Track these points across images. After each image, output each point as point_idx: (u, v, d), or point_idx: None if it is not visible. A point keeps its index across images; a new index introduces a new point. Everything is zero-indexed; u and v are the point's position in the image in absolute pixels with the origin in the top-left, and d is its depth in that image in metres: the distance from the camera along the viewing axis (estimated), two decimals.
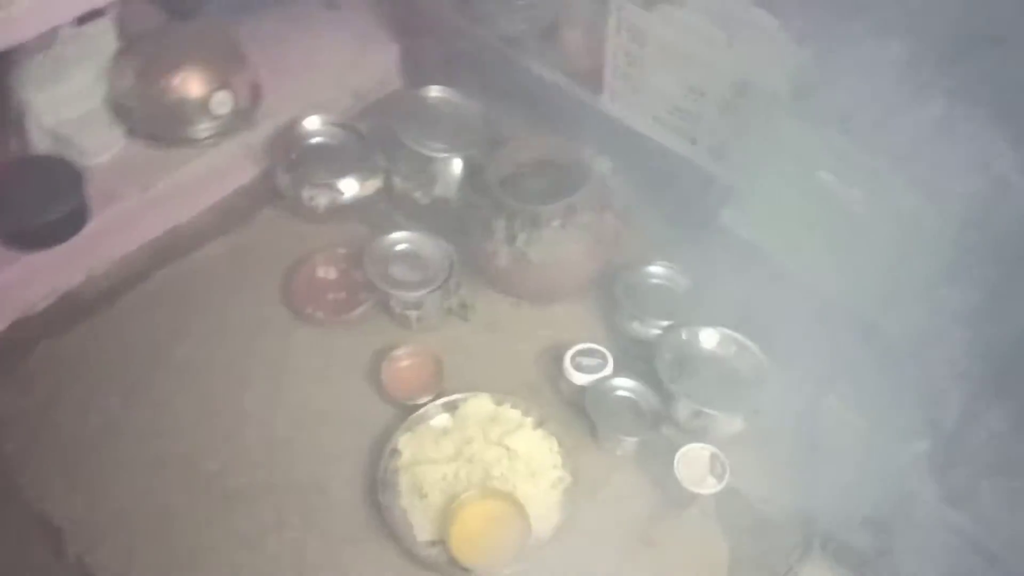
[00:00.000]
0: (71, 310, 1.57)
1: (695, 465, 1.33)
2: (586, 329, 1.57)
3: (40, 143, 1.57)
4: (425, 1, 1.82)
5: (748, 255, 1.44)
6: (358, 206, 1.68)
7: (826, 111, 1.24)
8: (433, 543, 1.30)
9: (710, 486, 1.30)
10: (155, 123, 1.64)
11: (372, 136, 1.70)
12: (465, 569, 1.26)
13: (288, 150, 1.67)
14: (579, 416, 1.45)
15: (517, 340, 1.56)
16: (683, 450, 1.33)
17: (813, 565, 1.30)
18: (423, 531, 1.31)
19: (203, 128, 1.65)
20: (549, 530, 1.32)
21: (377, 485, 1.34)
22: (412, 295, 1.50)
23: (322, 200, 1.65)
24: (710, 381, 1.42)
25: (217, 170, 1.72)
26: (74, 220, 1.53)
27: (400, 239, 1.56)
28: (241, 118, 1.70)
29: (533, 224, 1.44)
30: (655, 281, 1.52)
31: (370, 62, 1.94)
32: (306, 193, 1.64)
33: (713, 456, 1.33)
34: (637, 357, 1.47)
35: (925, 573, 1.20)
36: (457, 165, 1.61)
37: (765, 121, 1.30)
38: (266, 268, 1.65)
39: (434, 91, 1.68)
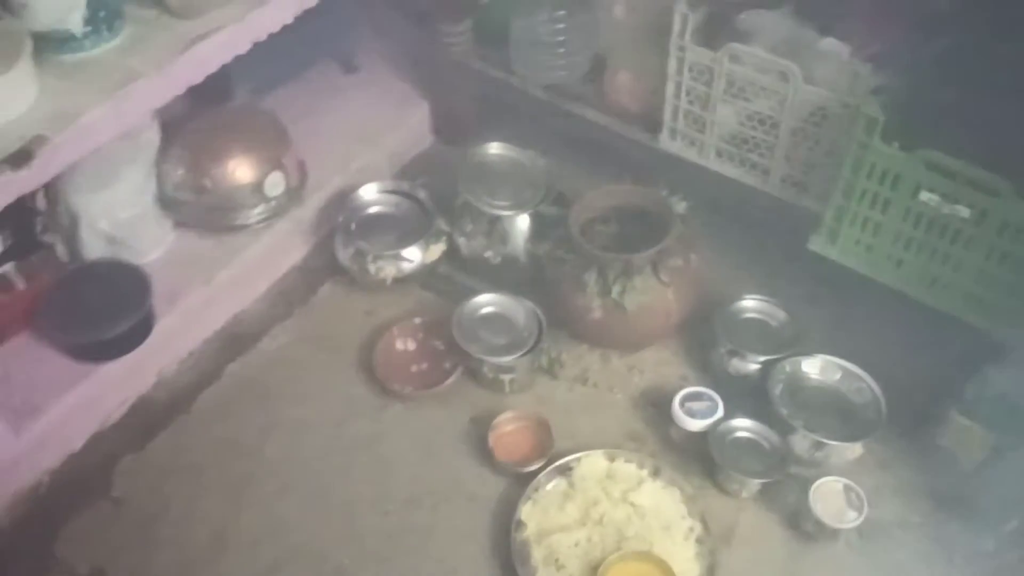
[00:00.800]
0: (147, 418, 1.51)
1: (830, 499, 1.32)
2: (677, 372, 1.56)
3: (93, 248, 1.51)
4: (455, 56, 1.80)
5: (842, 281, 1.46)
6: (423, 272, 1.65)
7: (920, 131, 1.25)
8: None
9: (852, 520, 1.30)
10: (207, 213, 1.59)
11: (430, 200, 1.67)
12: None
13: (347, 222, 1.64)
14: (692, 461, 1.44)
15: (611, 391, 1.54)
16: (816, 485, 1.33)
17: None
18: None
19: (257, 212, 1.61)
20: (704, 556, 1.30)
21: (513, 562, 1.31)
22: (506, 360, 1.48)
23: (389, 270, 1.62)
24: (821, 410, 1.42)
25: (272, 252, 1.68)
26: (143, 326, 1.47)
27: (485, 302, 1.54)
28: (292, 197, 1.66)
29: (626, 273, 1.43)
30: (750, 315, 1.51)
31: (401, 122, 1.92)
32: (372, 265, 1.61)
33: (847, 488, 1.33)
34: (736, 395, 1.46)
35: None
36: (524, 221, 1.60)
37: (854, 146, 1.31)
38: (339, 347, 1.61)
39: (492, 147, 1.67)
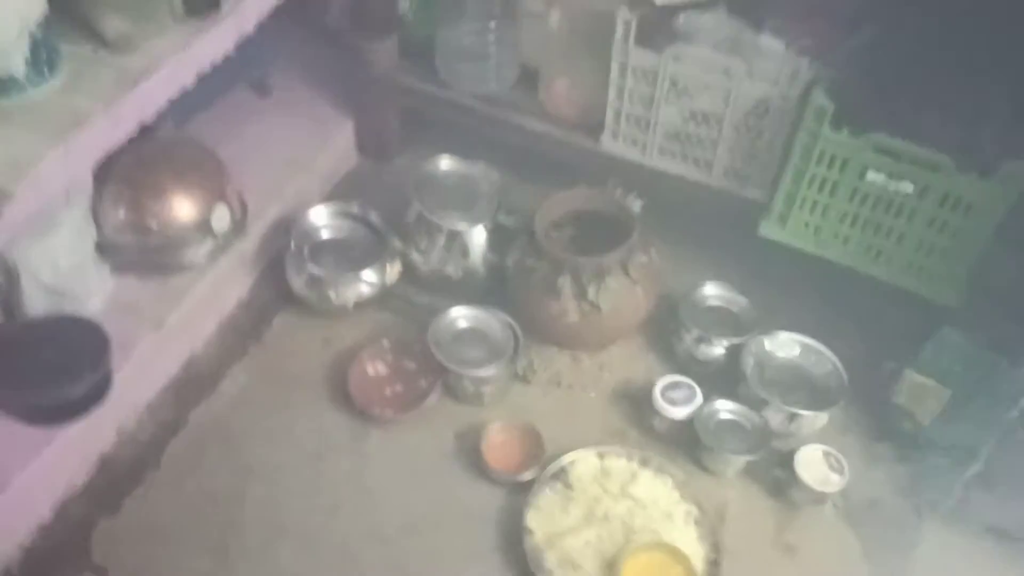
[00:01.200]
0: (115, 477, 1.42)
1: (814, 466, 1.41)
2: (644, 365, 1.62)
3: (34, 302, 1.40)
4: (378, 72, 1.78)
5: (792, 262, 1.55)
6: (381, 294, 1.64)
7: (863, 116, 1.36)
8: None
9: (837, 483, 1.39)
10: (151, 254, 1.51)
11: (380, 220, 1.65)
12: None
13: (298, 249, 1.59)
14: (676, 449, 1.50)
15: (585, 391, 1.58)
16: (799, 454, 1.41)
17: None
18: None
19: (204, 249, 1.54)
20: (701, 563, 1.35)
21: (530, 571, 1.32)
22: (486, 372, 1.49)
23: (349, 295, 1.59)
24: (788, 385, 1.51)
25: (218, 288, 1.61)
26: (103, 382, 1.38)
27: (457, 316, 1.55)
28: (237, 229, 1.60)
29: (598, 275, 1.47)
30: (712, 303, 1.59)
31: (327, 143, 1.88)
32: (332, 291, 1.58)
33: (826, 453, 1.42)
34: (705, 379, 1.52)
35: None
36: (481, 233, 1.61)
37: (802, 135, 1.40)
38: (303, 380, 1.58)
39: (441, 161, 1.67)
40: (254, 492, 1.43)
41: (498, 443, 1.46)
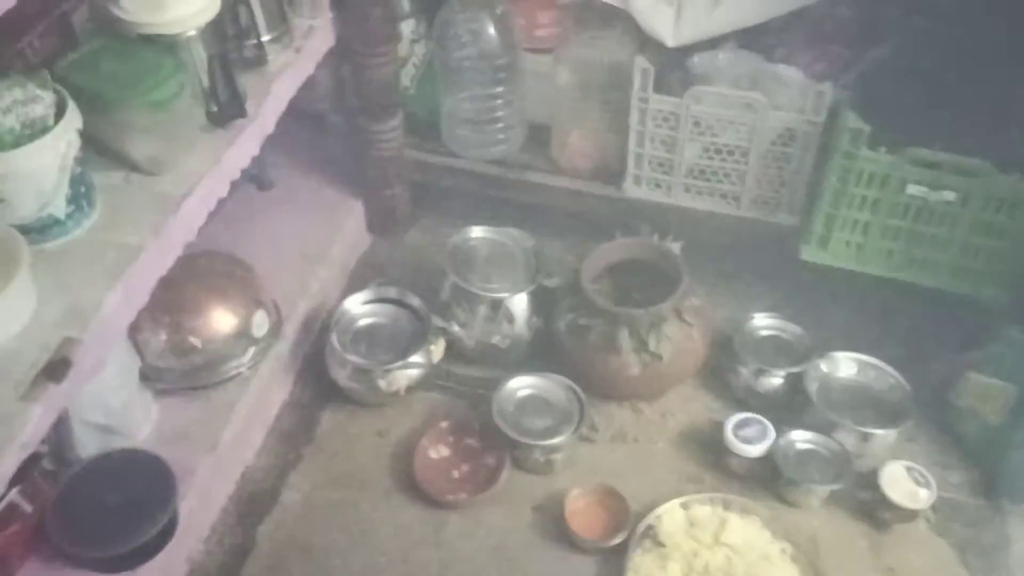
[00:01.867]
0: None
1: (900, 483, 1.42)
2: (704, 405, 1.62)
3: (87, 444, 1.35)
4: (388, 153, 1.77)
5: (833, 281, 1.57)
6: (429, 375, 1.61)
7: (895, 132, 1.39)
8: None
9: (926, 498, 1.40)
10: (194, 374, 1.47)
11: (419, 300, 1.63)
12: None
13: (341, 341, 1.56)
14: (753, 487, 1.50)
15: (652, 441, 1.57)
16: (883, 473, 1.42)
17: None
18: None
19: (246, 358, 1.50)
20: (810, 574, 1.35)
21: None
22: (556, 440, 1.47)
23: (399, 382, 1.56)
24: (853, 405, 1.52)
25: (263, 396, 1.57)
26: (171, 523, 1.33)
27: (518, 387, 1.54)
28: (274, 332, 1.57)
29: (655, 324, 1.47)
30: (765, 333, 1.60)
31: (339, 228, 1.85)
32: (382, 380, 1.55)
33: (908, 469, 1.43)
34: (767, 411, 1.52)
35: None
36: (522, 299, 1.60)
37: (838, 157, 1.43)
38: (365, 477, 1.54)
39: (473, 232, 1.66)
40: None
41: (580, 510, 1.45)
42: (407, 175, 1.84)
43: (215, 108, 1.32)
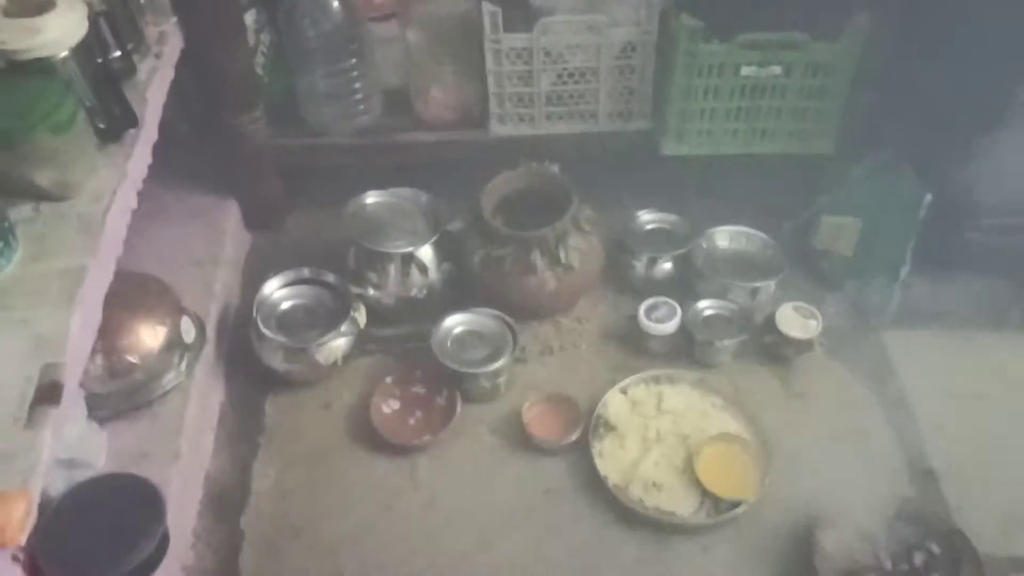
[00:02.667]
0: None
1: (791, 321, 1.65)
2: (611, 303, 1.81)
3: (56, 480, 1.34)
4: (257, 142, 1.80)
5: (691, 168, 1.78)
6: (358, 341, 1.69)
7: (725, 27, 1.59)
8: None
9: (815, 327, 1.64)
10: (135, 393, 1.47)
11: (333, 274, 1.70)
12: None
13: (267, 327, 1.61)
14: (673, 359, 1.70)
15: (577, 347, 1.74)
16: (777, 318, 1.65)
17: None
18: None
19: (183, 366, 1.52)
20: (749, 436, 1.56)
21: (624, 508, 1.46)
22: (498, 364, 1.60)
23: (337, 352, 1.63)
24: (736, 268, 1.75)
25: (203, 400, 1.59)
26: (164, 536, 1.34)
27: (452, 325, 1.66)
28: (200, 336, 1.59)
29: (562, 240, 1.62)
30: (651, 227, 1.80)
31: (220, 231, 1.87)
32: (319, 355, 1.61)
33: (796, 307, 1.67)
34: (664, 293, 1.72)
35: None
36: (428, 250, 1.70)
37: (680, 56, 1.62)
38: (329, 447, 1.60)
39: (368, 197, 1.74)
40: (351, 565, 1.45)
41: (536, 418, 1.59)
42: (277, 163, 1.88)
43: (102, 124, 1.33)
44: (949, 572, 1.38)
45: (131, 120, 1.33)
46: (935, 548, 1.40)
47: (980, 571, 1.36)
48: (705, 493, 1.48)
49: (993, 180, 1.60)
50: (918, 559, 1.38)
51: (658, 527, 1.46)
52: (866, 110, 1.68)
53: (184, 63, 1.61)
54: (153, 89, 1.46)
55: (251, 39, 1.77)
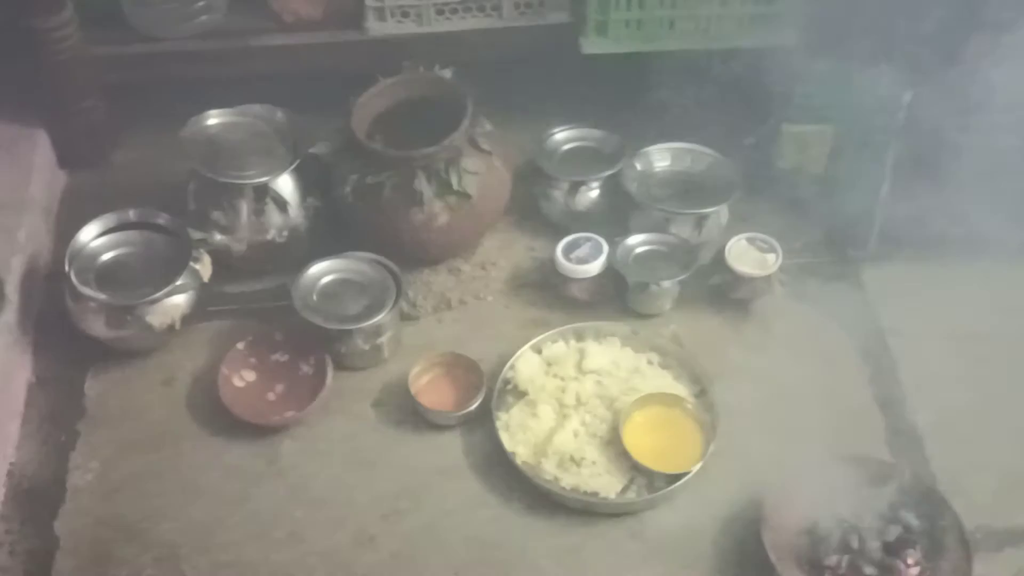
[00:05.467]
0: None
1: (746, 255, 1.76)
2: (524, 243, 1.92)
3: None
4: (67, 54, 1.87)
5: (620, 71, 1.88)
6: (202, 300, 1.76)
7: None
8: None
9: (774, 261, 1.75)
10: None
11: (166, 216, 1.77)
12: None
13: (84, 285, 1.67)
14: (602, 308, 1.80)
15: (481, 297, 1.85)
16: (728, 252, 1.75)
17: None
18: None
19: None
20: (691, 397, 1.67)
21: (536, 488, 1.56)
22: (377, 319, 1.68)
23: (174, 313, 1.71)
24: (679, 192, 1.86)
25: (4, 376, 1.66)
26: None
27: (318, 274, 1.74)
28: None
29: (452, 161, 1.70)
30: (570, 146, 1.90)
31: (26, 167, 1.94)
32: (152, 318, 1.68)
33: (750, 239, 1.78)
34: (591, 225, 1.83)
35: None
36: (287, 181, 1.78)
37: None
38: (168, 429, 1.69)
39: (209, 118, 1.81)
40: (194, 569, 1.52)
41: (427, 386, 1.69)
42: (97, 80, 1.95)
43: None
44: (928, 549, 1.49)
45: None
46: (913, 520, 1.51)
47: (965, 546, 1.47)
48: (635, 467, 1.58)
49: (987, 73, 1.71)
50: (891, 534, 1.49)
51: (579, 511, 1.57)
52: None
53: None
54: None
55: None
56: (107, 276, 1.73)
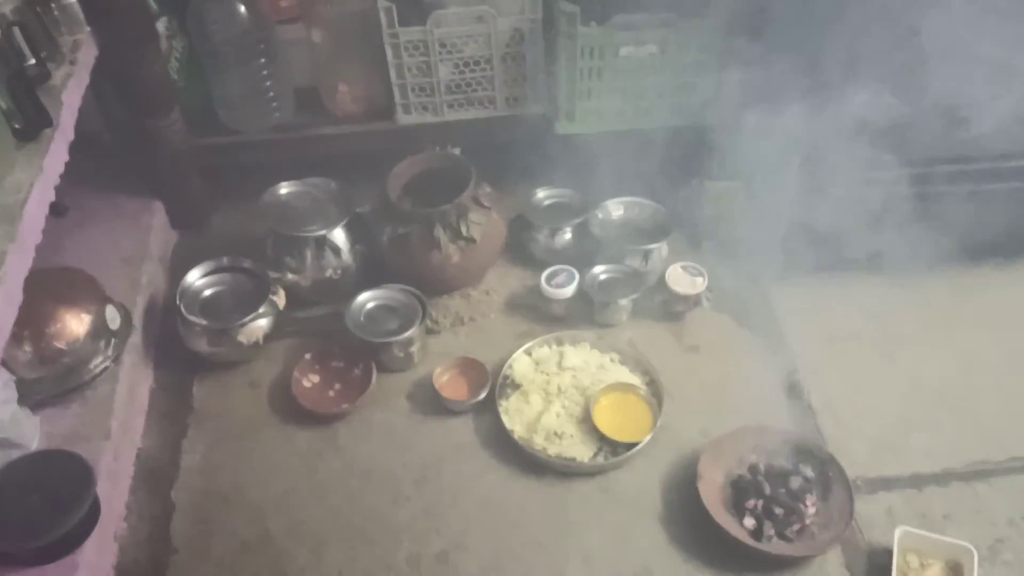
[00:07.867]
0: None
1: (681, 279, 1.80)
2: (517, 275, 1.95)
3: None
4: (177, 146, 1.92)
5: (585, 146, 1.93)
6: (279, 323, 1.81)
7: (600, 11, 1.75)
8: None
9: (702, 282, 1.80)
10: (64, 378, 1.58)
11: (250, 261, 1.82)
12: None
13: (190, 311, 1.72)
14: (575, 321, 1.85)
15: (486, 316, 1.88)
16: (667, 277, 1.80)
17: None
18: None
19: (110, 351, 1.64)
20: (644, 386, 1.70)
21: (531, 458, 1.60)
22: (409, 333, 1.73)
23: (258, 333, 1.75)
24: (629, 234, 1.90)
25: (132, 385, 1.70)
26: (94, 507, 1.46)
27: (364, 301, 1.78)
28: (126, 323, 1.71)
29: (462, 215, 1.75)
30: (548, 203, 1.95)
31: (146, 229, 1.98)
32: (241, 336, 1.73)
33: (684, 267, 1.82)
34: (564, 261, 1.87)
35: None
36: (340, 233, 1.83)
37: (561, 39, 1.77)
38: (253, 422, 1.72)
39: (281, 188, 1.86)
40: (277, 525, 1.57)
41: (447, 382, 1.72)
42: (197, 164, 2.00)
43: (18, 125, 1.44)
44: (821, 493, 1.53)
45: (46, 121, 1.45)
46: (810, 473, 1.55)
47: (848, 491, 1.51)
48: (603, 439, 1.61)
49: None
50: (794, 483, 1.53)
51: (561, 472, 1.60)
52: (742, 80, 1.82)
53: (101, 71, 1.73)
54: (68, 93, 1.58)
55: (164, 45, 1.89)
56: (208, 307, 1.77)
